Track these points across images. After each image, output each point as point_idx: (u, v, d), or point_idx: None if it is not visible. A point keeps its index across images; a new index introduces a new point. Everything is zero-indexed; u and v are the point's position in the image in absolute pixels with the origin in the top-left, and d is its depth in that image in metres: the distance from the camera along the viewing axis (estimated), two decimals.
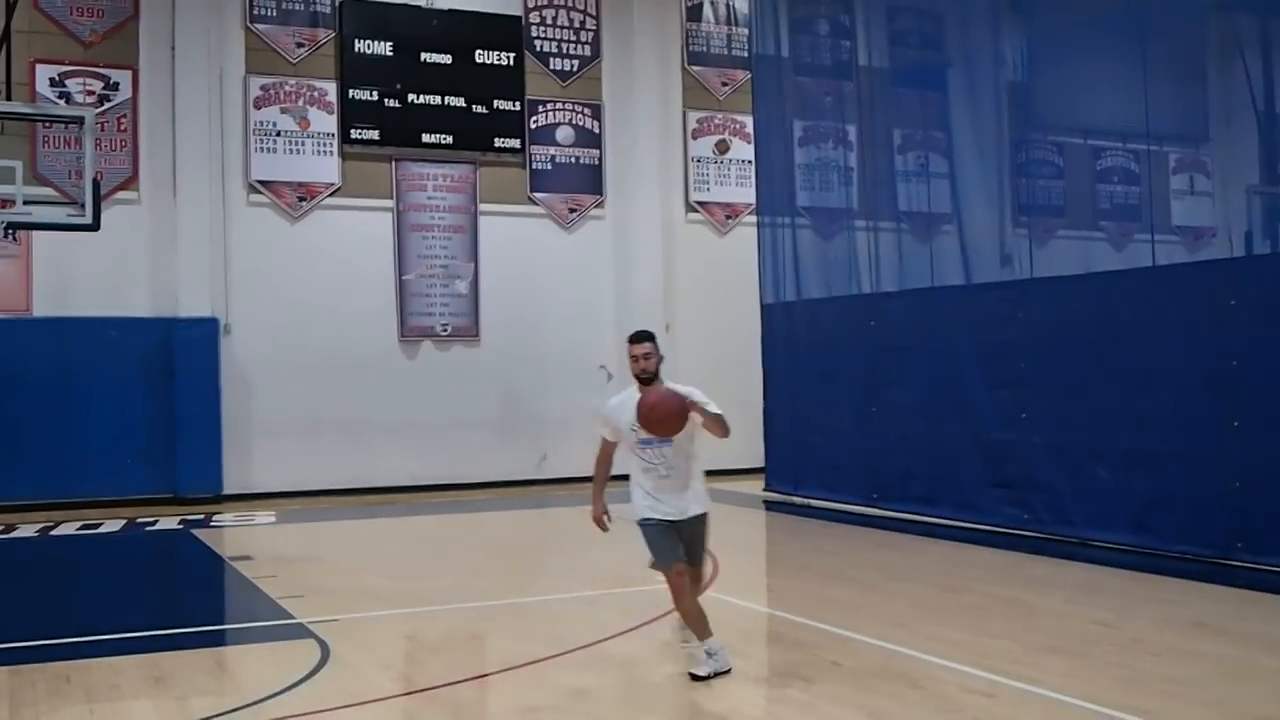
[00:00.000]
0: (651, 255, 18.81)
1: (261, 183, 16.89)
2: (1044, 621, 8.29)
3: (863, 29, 15.39)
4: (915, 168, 14.74)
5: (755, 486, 16.26)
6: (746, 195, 18.71)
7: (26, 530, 13.90)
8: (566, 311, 18.27)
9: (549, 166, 18.52)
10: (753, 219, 17.53)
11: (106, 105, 16.06)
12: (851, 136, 15.55)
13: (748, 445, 16.19)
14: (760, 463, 16.34)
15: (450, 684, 6.93)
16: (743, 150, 19.27)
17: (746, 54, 18.64)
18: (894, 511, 13.66)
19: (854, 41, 15.58)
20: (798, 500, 15.40)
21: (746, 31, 18.53)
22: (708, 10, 19.72)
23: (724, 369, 17.73)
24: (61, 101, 15.76)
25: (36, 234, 15.05)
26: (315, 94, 17.15)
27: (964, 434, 12.81)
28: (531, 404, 18.01)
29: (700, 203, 19.47)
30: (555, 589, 9.99)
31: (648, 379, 6.89)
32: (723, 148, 19.63)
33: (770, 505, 15.53)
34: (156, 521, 14.50)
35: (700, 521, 7.04)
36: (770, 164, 16.66)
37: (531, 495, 16.84)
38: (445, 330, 17.81)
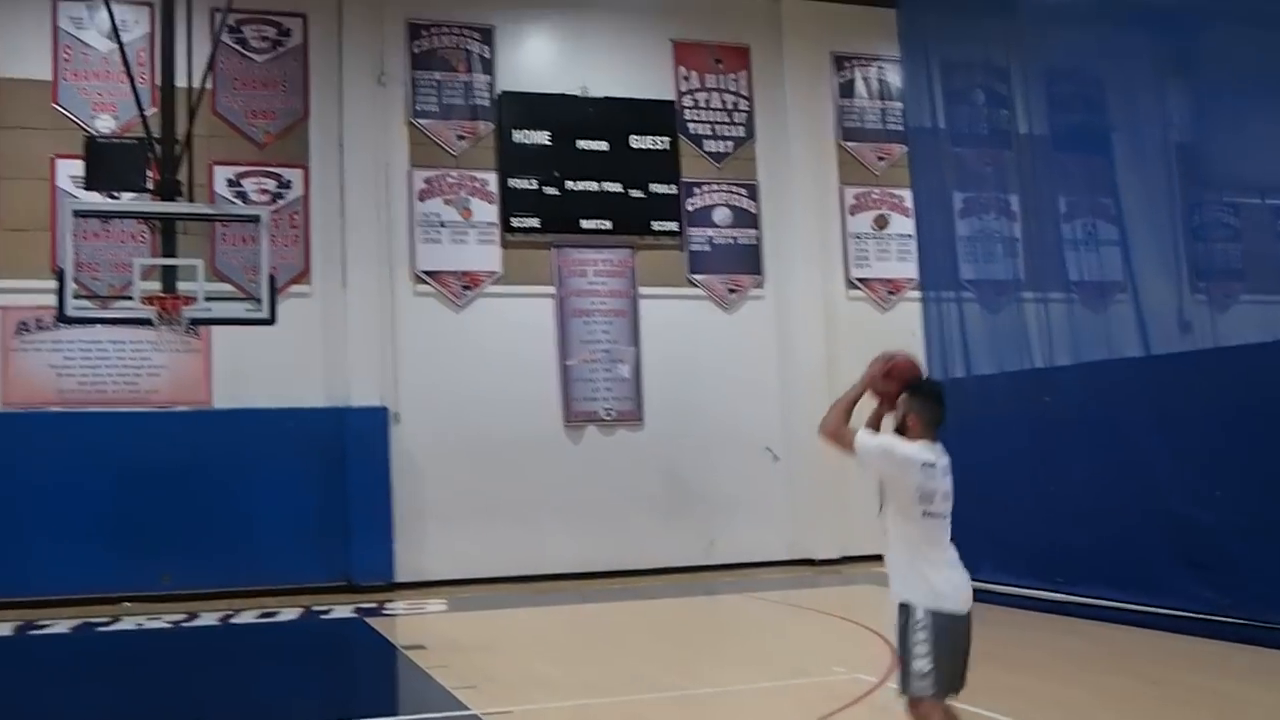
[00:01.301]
0: (813, 333, 18.39)
1: (427, 273, 17.07)
2: (1254, 716, 7.62)
3: (1021, 97, 14.90)
4: (1083, 235, 14.12)
5: None
6: (908, 270, 18.15)
7: (208, 618, 14.00)
8: (729, 392, 17.94)
9: (707, 248, 18.36)
10: (916, 294, 16.92)
11: (280, 203, 16.49)
12: (1014, 206, 14.99)
13: None
14: None
15: None
16: (902, 224, 18.80)
17: (902, 127, 18.26)
18: (1076, 595, 12.87)
19: (1012, 110, 15.10)
20: (974, 584, 14.71)
21: (900, 105, 18.20)
22: (860, 86, 19.44)
23: None
24: (238, 201, 16.24)
25: (217, 329, 15.45)
26: (476, 185, 17.34)
27: (1151, 512, 12.03)
28: (697, 487, 17.66)
29: (861, 279, 19.04)
30: (730, 679, 9.56)
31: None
32: (881, 223, 19.24)
33: None
34: (331, 609, 14.51)
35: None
36: (931, 237, 16.14)
37: (700, 581, 16.42)
38: (609, 414, 17.67)
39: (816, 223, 18.74)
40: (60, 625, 13.56)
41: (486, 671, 9.97)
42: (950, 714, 5.38)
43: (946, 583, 5.37)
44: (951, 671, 5.25)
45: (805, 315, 18.45)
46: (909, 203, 17.60)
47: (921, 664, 5.21)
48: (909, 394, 5.52)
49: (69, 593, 14.90)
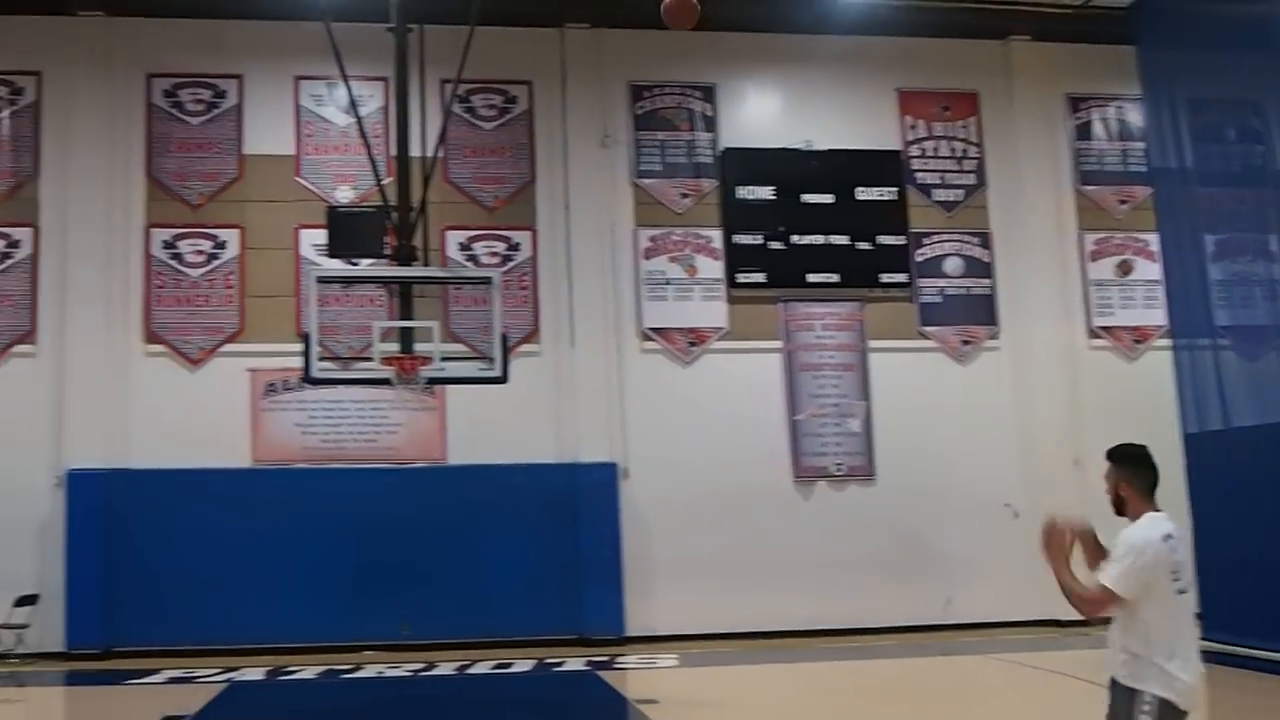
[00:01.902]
0: (1053, 385, 17.51)
1: (653, 330, 17.09)
2: None
3: (1277, 131, 13.94)
4: None
5: None
6: (1156, 317, 17.14)
7: (445, 668, 14.28)
8: (965, 447, 17.21)
9: (938, 299, 17.77)
10: (1165, 342, 15.99)
11: (509, 265, 16.78)
12: (1274, 247, 14.00)
13: None
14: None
15: None
16: (1148, 270, 17.70)
17: (1145, 169, 17.19)
18: None
19: (1268, 145, 14.12)
20: (1242, 651, 13.60)
21: (1142, 146, 17.22)
22: (1098, 127, 18.52)
23: None
24: (470, 264, 16.64)
25: (451, 387, 15.78)
26: (701, 242, 17.28)
27: None
28: (932, 544, 16.96)
29: (1104, 328, 18.02)
30: None
31: (1117, 510, 5.25)
32: (1125, 268, 18.20)
33: (1208, 656, 13.85)
34: (564, 662, 14.57)
35: None
36: (1181, 282, 15.13)
37: (936, 640, 15.77)
38: (840, 469, 17.25)
39: (1054, 270, 17.88)
40: (307, 671, 14.06)
41: None
42: None
43: (1187, 674, 4.96)
44: None
45: (1044, 365, 17.59)
46: (1155, 247, 16.62)
47: None
48: (1115, 464, 5.20)
49: (314, 640, 15.40)
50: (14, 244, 16.23)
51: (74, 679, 14.50)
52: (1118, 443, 5.42)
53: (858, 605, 16.64)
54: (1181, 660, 4.96)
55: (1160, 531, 5.04)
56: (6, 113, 16.47)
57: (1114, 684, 5.05)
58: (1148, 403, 16.23)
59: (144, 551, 15.63)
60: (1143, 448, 5.33)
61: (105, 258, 16.23)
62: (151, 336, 16.34)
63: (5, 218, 16.28)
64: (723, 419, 16.86)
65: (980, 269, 17.91)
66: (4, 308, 16.13)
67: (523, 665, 14.44)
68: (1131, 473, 5.18)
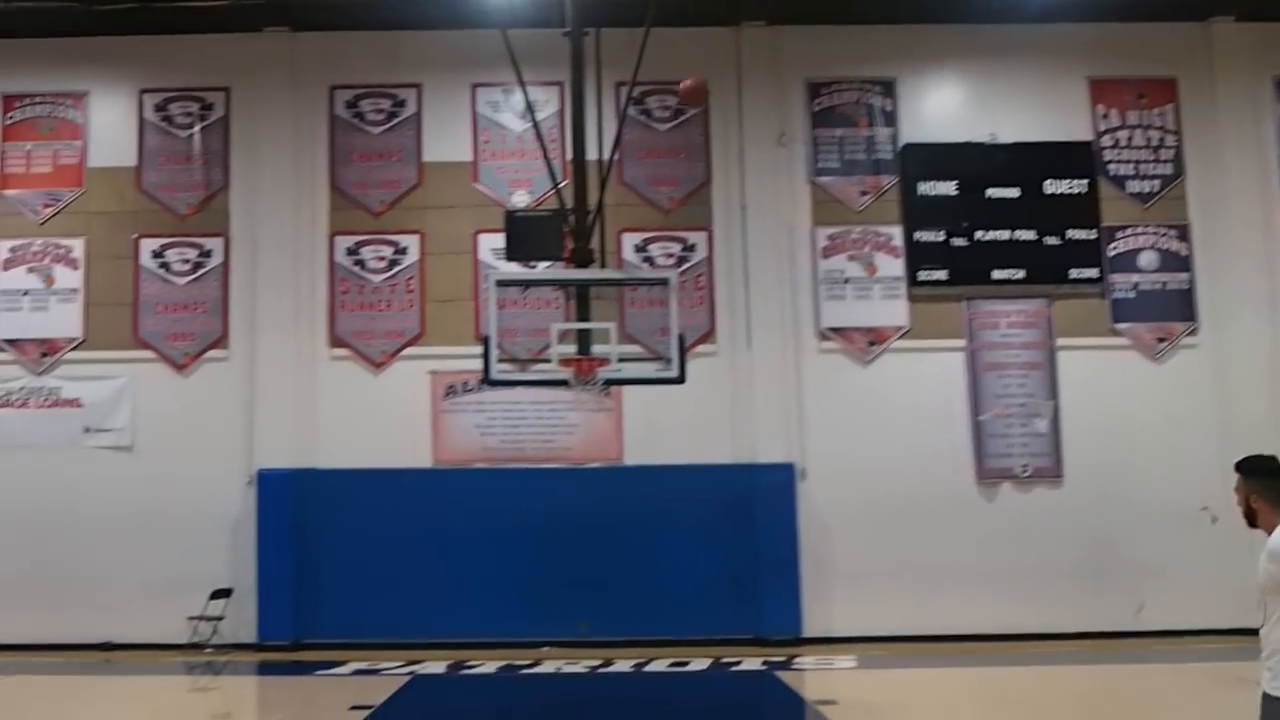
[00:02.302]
0: (1257, 384, 16.70)
1: (832, 329, 16.95)
2: None
3: None
4: None
5: None
6: None
7: (623, 665, 14.51)
8: (1159, 448, 16.58)
9: (1132, 294, 17.12)
10: None
11: (685, 265, 16.87)
12: None
13: None
14: None
15: None
16: None
17: None
18: None
19: None
20: None
21: None
22: None
23: None
24: (646, 265, 16.79)
25: (627, 388, 15.97)
26: (881, 240, 17.05)
27: None
28: (1123, 549, 16.40)
29: None
30: None
31: (1250, 523, 5.43)
32: None
33: None
34: (740, 662, 14.65)
35: None
36: None
37: (1124, 649, 15.25)
38: (1025, 471, 16.81)
39: (1261, 263, 17.01)
40: (487, 666, 14.53)
41: None
42: None
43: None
44: None
45: (1248, 363, 16.81)
46: None
47: None
48: (1245, 477, 5.43)
49: (493, 636, 15.82)
50: (206, 253, 17.04)
51: (265, 669, 15.26)
52: (1247, 455, 5.58)
53: (1043, 610, 16.21)
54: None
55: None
56: (198, 128, 17.32)
57: (1265, 697, 5.15)
58: None
59: (330, 548, 16.30)
60: (1272, 459, 5.48)
61: (292, 265, 16.94)
62: (336, 341, 16.96)
63: (198, 229, 17.15)
64: (903, 419, 16.65)
65: (1177, 263, 17.19)
66: (198, 314, 16.99)
67: (699, 664, 14.56)
68: (1263, 485, 5.33)
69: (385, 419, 16.68)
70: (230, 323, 16.96)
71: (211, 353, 16.94)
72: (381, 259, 17.00)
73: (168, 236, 17.08)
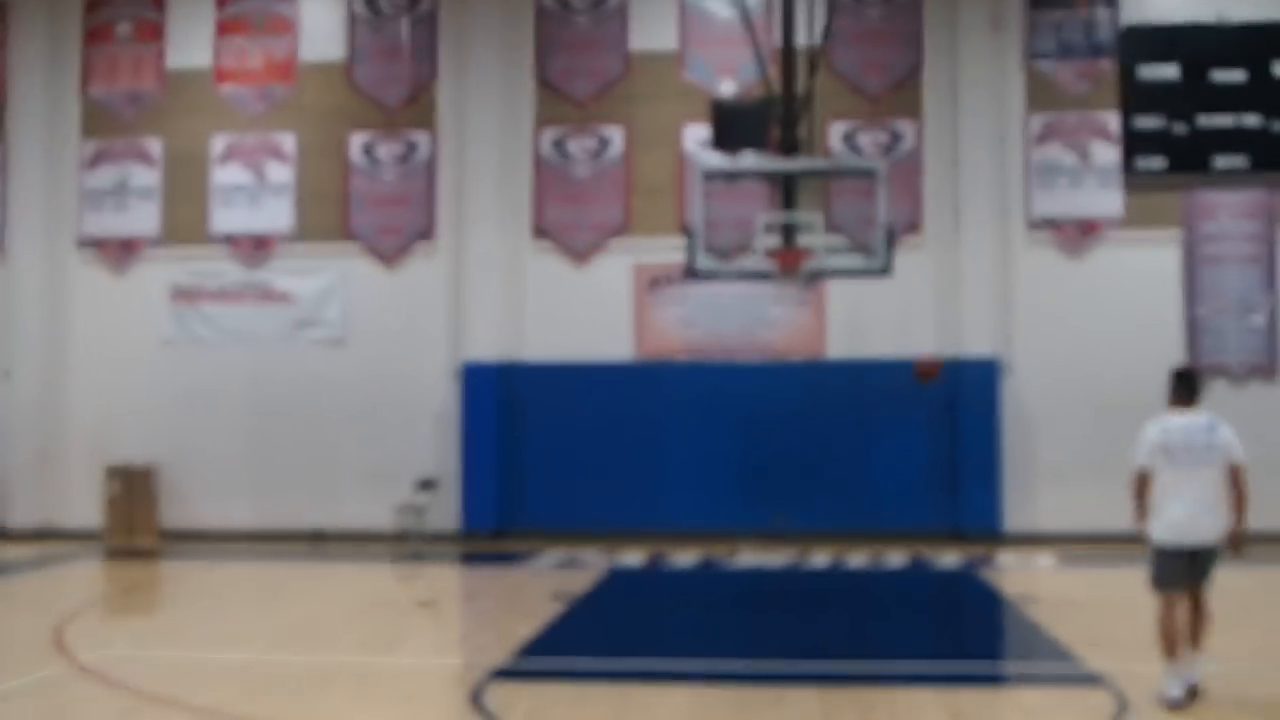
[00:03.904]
0: None
1: (1043, 220, 17.04)
2: None
3: None
4: None
5: None
6: None
7: (819, 560, 15.04)
8: None
9: None
10: None
11: (893, 154, 17.08)
12: None
13: None
14: None
15: None
16: None
17: None
18: None
19: None
20: None
21: None
22: None
23: None
24: (853, 154, 17.01)
25: (830, 281, 16.27)
26: (1097, 126, 17.01)
27: None
28: None
29: None
30: None
31: None
32: None
33: None
34: (939, 558, 15.05)
35: None
36: None
37: None
38: (1240, 368, 16.72)
39: None
40: (685, 558, 15.11)
41: (1101, 630, 10.06)
42: (1170, 603, 7.80)
43: (1158, 528, 7.90)
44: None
45: None
46: None
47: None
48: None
49: (691, 528, 16.56)
50: (414, 147, 17.84)
51: (468, 558, 16.18)
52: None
53: (1255, 510, 16.08)
54: (1161, 519, 7.87)
55: (1158, 426, 8.23)
56: (406, 21, 18.01)
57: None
58: None
59: (533, 440, 17.21)
60: (1179, 369, 8.69)
61: (498, 158, 17.66)
62: (541, 233, 17.66)
63: (407, 122, 17.98)
64: (1113, 314, 16.77)
65: None
66: (406, 208, 17.88)
67: (897, 559, 15.02)
68: (1170, 386, 8.43)
69: (589, 312, 17.42)
70: (437, 216, 17.80)
71: (419, 246, 17.81)
72: (587, 151, 17.60)
73: (377, 130, 17.92)
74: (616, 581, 13.51)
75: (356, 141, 17.90)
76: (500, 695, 7.65)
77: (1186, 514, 7.74)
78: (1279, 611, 11.43)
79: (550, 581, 13.19)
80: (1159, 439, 8.01)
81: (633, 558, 15.17)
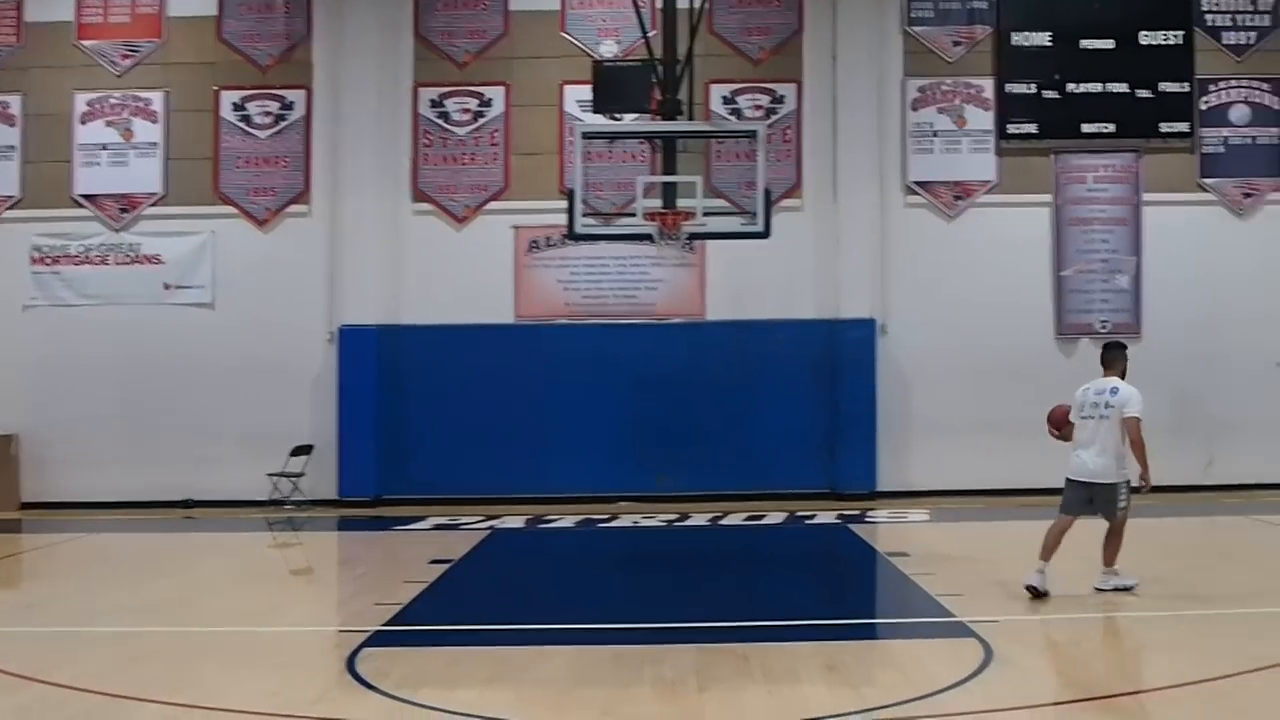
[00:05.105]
0: None
1: (919, 183, 17.37)
2: None
3: None
4: None
5: None
6: None
7: (699, 519, 15.20)
8: (1240, 305, 17.16)
9: (1221, 149, 17.42)
10: None
11: (773, 118, 17.25)
12: None
13: None
14: None
15: (1120, 695, 6.78)
16: None
17: None
18: None
19: None
20: None
21: None
22: None
23: None
24: (733, 118, 17.14)
25: (711, 243, 16.45)
26: (972, 91, 17.38)
27: None
28: (1198, 404, 16.99)
29: None
30: (1226, 602, 9.45)
31: None
32: None
33: None
34: (815, 515, 15.31)
35: None
36: None
37: (1197, 501, 15.80)
38: (1104, 327, 17.27)
39: None
40: (565, 520, 15.20)
41: (970, 581, 10.32)
42: (1059, 521, 9.70)
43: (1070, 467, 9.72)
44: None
45: None
46: None
47: None
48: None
49: (572, 491, 16.62)
50: (288, 106, 17.58)
51: (346, 525, 16.00)
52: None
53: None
54: (1070, 459, 9.69)
55: (1082, 387, 9.83)
56: None
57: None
58: None
59: (412, 405, 17.10)
60: (1105, 344, 10.35)
61: (375, 118, 17.42)
62: (420, 195, 17.53)
63: (280, 80, 17.68)
64: (986, 275, 17.24)
65: (1270, 118, 17.52)
66: (280, 169, 17.59)
67: (774, 518, 15.26)
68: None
69: (468, 274, 17.33)
70: (313, 177, 17.56)
71: (293, 208, 17.57)
72: (466, 111, 17.47)
73: (249, 89, 17.62)
74: (496, 544, 13.46)
75: (228, 99, 17.54)
76: (375, 661, 7.62)
77: (1078, 456, 9.64)
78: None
79: (429, 546, 13.09)
80: (1078, 397, 9.77)
81: (513, 520, 15.14)
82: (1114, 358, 9.91)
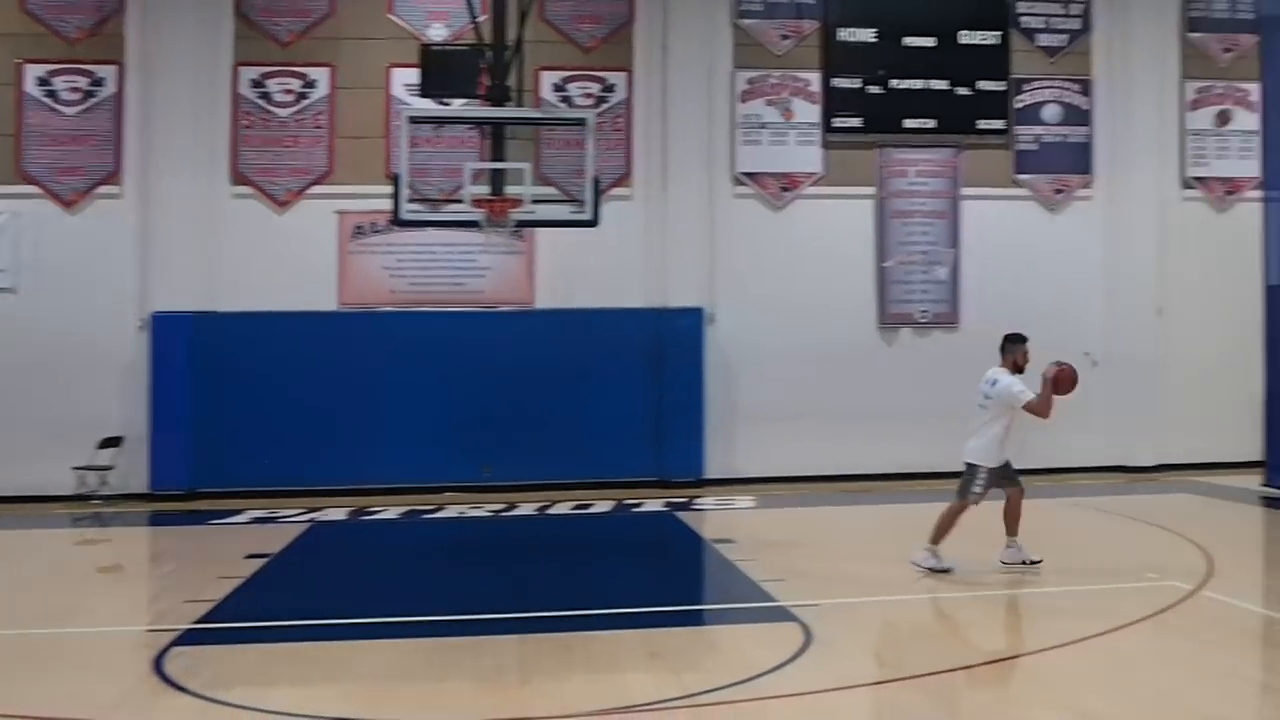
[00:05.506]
0: (1144, 235, 18.15)
1: (747, 174, 17.59)
2: None
3: None
4: None
5: (1252, 481, 15.57)
6: (1250, 169, 17.80)
7: (526, 509, 15.14)
8: (1051, 295, 17.77)
9: (1035, 147, 18.08)
10: (1257, 194, 16.85)
11: (604, 106, 17.27)
12: None
13: (1244, 437, 16.19)
14: (1258, 456, 15.79)
15: (933, 673, 6.97)
16: (1246, 121, 18.19)
17: (1253, 16, 17.71)
18: None
19: None
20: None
21: None
22: None
23: (1220, 355, 17.20)
24: (564, 105, 17.10)
25: (540, 231, 16.45)
26: (799, 84, 17.67)
27: None
28: None
29: (1198, 178, 18.43)
30: (1040, 582, 9.82)
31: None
32: (1224, 119, 18.43)
33: (1270, 502, 14.61)
34: (642, 504, 15.41)
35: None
36: (1279, 134, 15.53)
37: None
38: (924, 317, 17.77)
39: (1154, 119, 18.28)
40: (389, 512, 14.98)
41: (794, 567, 10.54)
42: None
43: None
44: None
45: (1136, 216, 18.20)
46: (1255, 97, 17.35)
47: None
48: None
49: (397, 482, 16.42)
50: (98, 82, 16.90)
51: (158, 519, 15.38)
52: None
53: (938, 450, 17.04)
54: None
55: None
56: None
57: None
58: (1233, 255, 16.98)
59: (230, 394, 16.54)
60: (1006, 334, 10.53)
61: (192, 97, 16.86)
62: (239, 178, 17.05)
63: (90, 55, 16.91)
64: (811, 266, 17.58)
65: (1079, 117, 18.19)
66: (89, 148, 16.88)
67: (602, 506, 15.33)
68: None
69: (290, 260, 16.92)
70: (124, 157, 16.89)
71: (103, 189, 16.88)
72: (289, 92, 17.05)
73: (56, 63, 16.83)
74: (317, 537, 13.19)
75: (32, 73, 16.74)
76: (184, 661, 7.39)
77: (967, 441, 10.20)
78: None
79: (246, 540, 12.71)
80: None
81: (334, 513, 14.84)
82: (1004, 348, 10.33)
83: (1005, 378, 10.05)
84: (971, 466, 10.13)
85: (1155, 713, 6.25)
